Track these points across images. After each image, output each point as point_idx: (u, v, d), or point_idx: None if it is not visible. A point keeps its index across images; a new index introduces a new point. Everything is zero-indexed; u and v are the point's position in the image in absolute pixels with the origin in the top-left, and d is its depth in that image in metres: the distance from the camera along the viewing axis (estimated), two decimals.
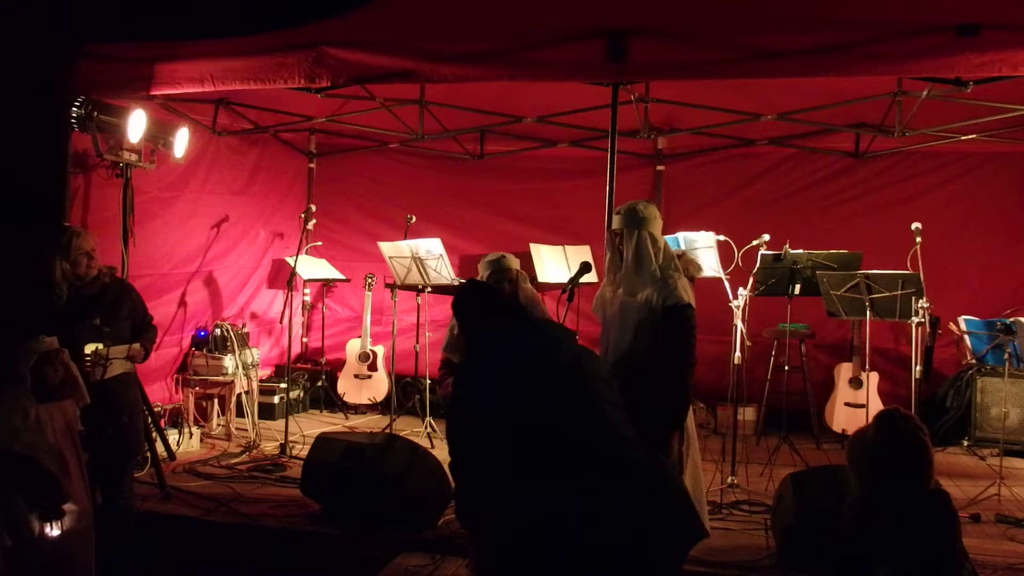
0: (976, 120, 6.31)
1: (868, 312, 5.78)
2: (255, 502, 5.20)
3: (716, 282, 6.18)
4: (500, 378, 2.89)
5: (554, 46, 4.62)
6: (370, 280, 7.78)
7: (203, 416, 6.96)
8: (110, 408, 4.30)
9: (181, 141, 6.06)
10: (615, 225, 3.86)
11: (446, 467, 4.52)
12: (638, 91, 5.96)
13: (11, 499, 3.26)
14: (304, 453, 5.51)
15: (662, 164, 7.95)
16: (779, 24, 4.48)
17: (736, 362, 5.74)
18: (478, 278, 4.03)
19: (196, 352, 6.87)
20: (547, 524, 2.68)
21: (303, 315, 8.68)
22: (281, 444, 6.36)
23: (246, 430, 6.67)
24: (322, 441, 5.20)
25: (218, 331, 6.87)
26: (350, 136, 8.11)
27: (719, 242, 6.31)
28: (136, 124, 5.53)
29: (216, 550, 4.68)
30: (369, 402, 7.79)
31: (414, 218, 7.47)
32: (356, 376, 7.83)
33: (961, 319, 6.42)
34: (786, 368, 6.30)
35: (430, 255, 6.80)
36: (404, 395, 7.59)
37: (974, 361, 6.44)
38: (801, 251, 5.99)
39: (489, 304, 3.16)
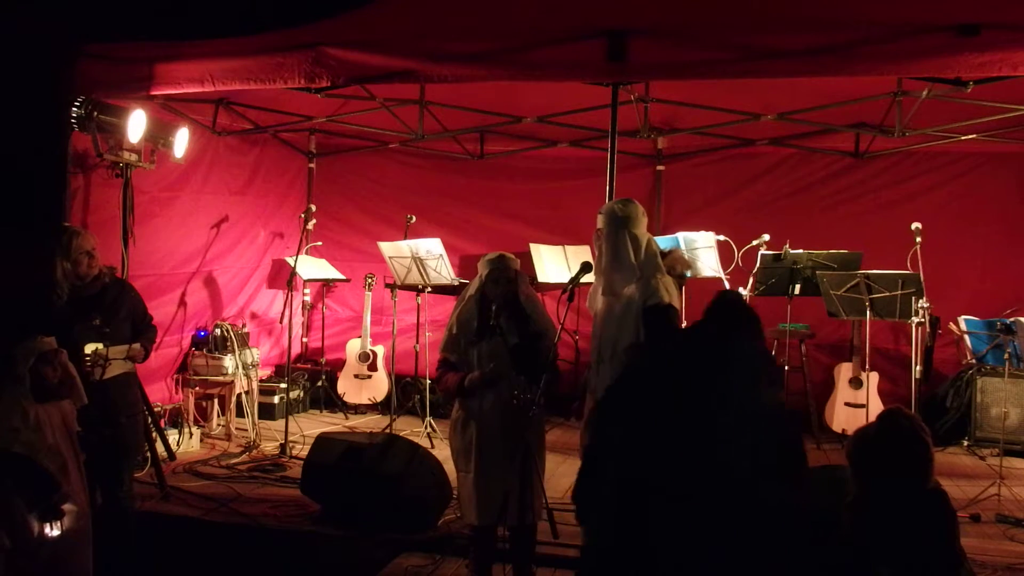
0: (976, 120, 6.31)
1: (868, 312, 5.78)
2: (255, 502, 5.20)
3: (716, 282, 6.19)
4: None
5: (554, 46, 4.62)
6: (370, 280, 7.78)
7: (203, 416, 6.96)
8: (109, 408, 4.29)
9: (181, 141, 6.06)
10: (598, 225, 3.90)
11: (448, 467, 4.55)
12: (638, 91, 5.97)
13: (10, 500, 3.26)
14: (304, 453, 5.51)
15: (662, 164, 7.96)
16: (779, 24, 4.47)
17: None
18: (477, 277, 4.03)
19: (196, 352, 6.87)
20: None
21: (303, 315, 8.68)
22: (281, 444, 6.36)
23: (246, 430, 6.67)
24: (322, 441, 5.20)
25: (218, 331, 6.87)
26: (350, 136, 8.11)
27: (719, 242, 6.33)
28: (136, 124, 5.53)
29: (216, 550, 4.68)
30: (369, 402, 7.79)
31: (414, 218, 7.47)
32: (356, 376, 7.83)
33: (961, 319, 6.41)
34: (786, 368, 6.30)
35: (430, 255, 6.80)
36: (404, 395, 7.59)
37: (974, 361, 6.43)
38: (801, 251, 6.00)
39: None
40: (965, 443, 6.73)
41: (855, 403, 6.67)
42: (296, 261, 6.82)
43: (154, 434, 5.58)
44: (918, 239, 6.25)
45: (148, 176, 6.16)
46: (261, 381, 7.36)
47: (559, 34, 4.61)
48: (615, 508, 2.81)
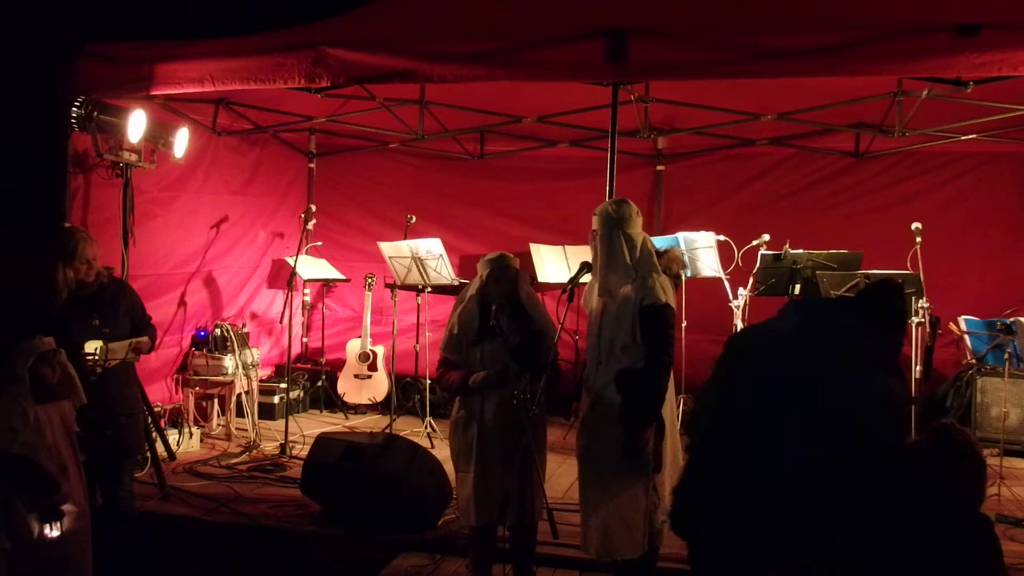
0: (976, 120, 6.30)
1: None
2: (255, 502, 5.20)
3: (716, 282, 6.18)
4: None
5: (554, 46, 4.62)
6: (370, 280, 7.78)
7: (203, 416, 6.96)
8: (109, 409, 4.29)
9: (181, 141, 6.05)
10: (593, 225, 3.89)
11: (448, 467, 4.55)
12: (638, 91, 5.96)
13: (10, 500, 3.25)
14: (304, 453, 5.51)
15: (662, 164, 7.96)
16: (779, 24, 4.48)
17: None
18: (477, 278, 4.03)
19: (196, 352, 6.87)
20: None
21: (303, 315, 8.68)
22: (281, 444, 6.36)
23: (246, 430, 6.67)
24: (322, 441, 5.20)
25: (218, 331, 6.87)
26: (350, 136, 8.11)
27: (719, 242, 6.32)
28: (136, 124, 5.53)
29: (216, 550, 4.68)
30: (369, 402, 7.79)
31: (414, 218, 7.47)
32: (356, 376, 7.83)
33: (961, 319, 6.41)
34: None
35: (430, 255, 6.80)
36: (404, 395, 7.59)
37: (974, 361, 6.43)
38: (801, 251, 5.99)
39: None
40: None
41: None
42: (296, 261, 6.82)
43: (154, 434, 5.58)
44: (918, 239, 6.25)
45: (148, 176, 6.16)
46: (261, 381, 7.36)
47: (559, 34, 4.62)
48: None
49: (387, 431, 6.06)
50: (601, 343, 3.84)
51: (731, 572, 3.08)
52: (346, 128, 7.59)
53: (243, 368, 6.80)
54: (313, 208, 7.58)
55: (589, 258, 3.98)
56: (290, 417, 6.97)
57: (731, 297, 5.83)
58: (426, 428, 6.76)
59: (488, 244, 7.49)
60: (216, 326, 6.93)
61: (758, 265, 5.94)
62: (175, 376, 6.88)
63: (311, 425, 7.19)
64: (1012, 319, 5.79)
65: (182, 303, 6.95)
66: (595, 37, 4.55)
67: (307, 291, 8.59)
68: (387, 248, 7.00)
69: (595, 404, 3.85)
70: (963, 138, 6.80)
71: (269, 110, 6.96)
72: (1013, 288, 7.16)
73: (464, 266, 7.86)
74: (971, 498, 2.68)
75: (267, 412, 7.31)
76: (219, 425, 7.00)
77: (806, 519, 2.77)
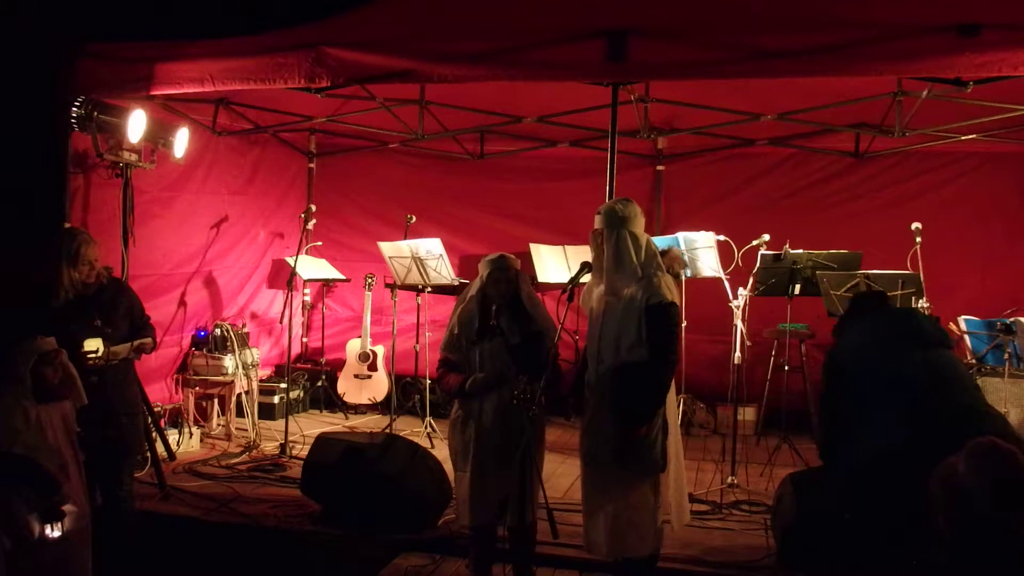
0: (976, 120, 6.31)
1: None
2: (255, 502, 5.20)
3: (716, 282, 6.18)
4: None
5: (554, 46, 4.62)
6: (370, 280, 7.78)
7: (203, 416, 6.96)
8: (109, 408, 4.29)
9: (181, 141, 6.06)
10: (596, 225, 3.88)
11: (448, 467, 4.55)
12: (638, 91, 5.96)
13: (10, 500, 3.26)
14: (304, 453, 5.51)
15: (662, 164, 7.96)
16: (779, 24, 4.47)
17: (736, 362, 5.74)
18: (478, 278, 4.03)
19: (196, 352, 6.87)
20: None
21: (303, 315, 8.69)
22: (281, 444, 6.36)
23: (246, 430, 6.67)
24: (322, 441, 5.20)
25: (218, 331, 6.87)
26: (350, 136, 8.11)
27: (719, 242, 6.32)
28: (136, 124, 5.53)
29: (216, 550, 4.68)
30: (369, 402, 7.79)
31: (414, 218, 7.47)
32: (356, 376, 7.83)
33: (961, 319, 6.41)
34: (786, 368, 6.30)
35: (430, 255, 6.80)
36: (404, 395, 7.59)
37: (974, 361, 6.42)
38: (801, 251, 5.99)
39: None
40: None
41: None
42: (296, 261, 6.82)
43: (154, 434, 5.58)
44: (918, 239, 6.25)
45: (148, 176, 6.16)
46: (261, 381, 7.36)
47: (559, 34, 4.61)
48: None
49: (387, 431, 6.06)
50: (604, 342, 3.83)
51: None
52: (346, 128, 7.59)
53: (243, 368, 6.80)
54: (313, 208, 7.59)
55: (589, 258, 3.97)
56: (290, 417, 6.97)
57: (731, 297, 5.83)
58: (426, 428, 6.76)
59: (488, 244, 7.50)
60: (216, 326, 6.93)
61: (758, 265, 5.93)
62: (175, 376, 6.88)
63: (311, 425, 7.19)
64: (1012, 319, 5.79)
65: (182, 303, 6.95)
66: (595, 37, 4.54)
67: (307, 291, 8.59)
68: (387, 248, 7.00)
69: (600, 404, 3.84)
70: (963, 138, 6.80)
71: (269, 110, 6.96)
72: (1013, 288, 7.15)
73: (464, 266, 7.86)
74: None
75: (267, 412, 7.31)
76: (219, 425, 7.01)
77: None
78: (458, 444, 4.06)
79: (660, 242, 5.90)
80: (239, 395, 6.79)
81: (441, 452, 5.31)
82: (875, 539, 3.51)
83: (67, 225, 5.24)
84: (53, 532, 3.35)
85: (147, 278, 6.28)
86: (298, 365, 8.26)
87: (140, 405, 4.89)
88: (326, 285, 8.50)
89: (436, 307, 7.74)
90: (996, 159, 7.28)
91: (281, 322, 7.42)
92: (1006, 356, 5.63)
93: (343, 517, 4.87)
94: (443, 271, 6.84)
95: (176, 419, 6.63)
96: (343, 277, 8.14)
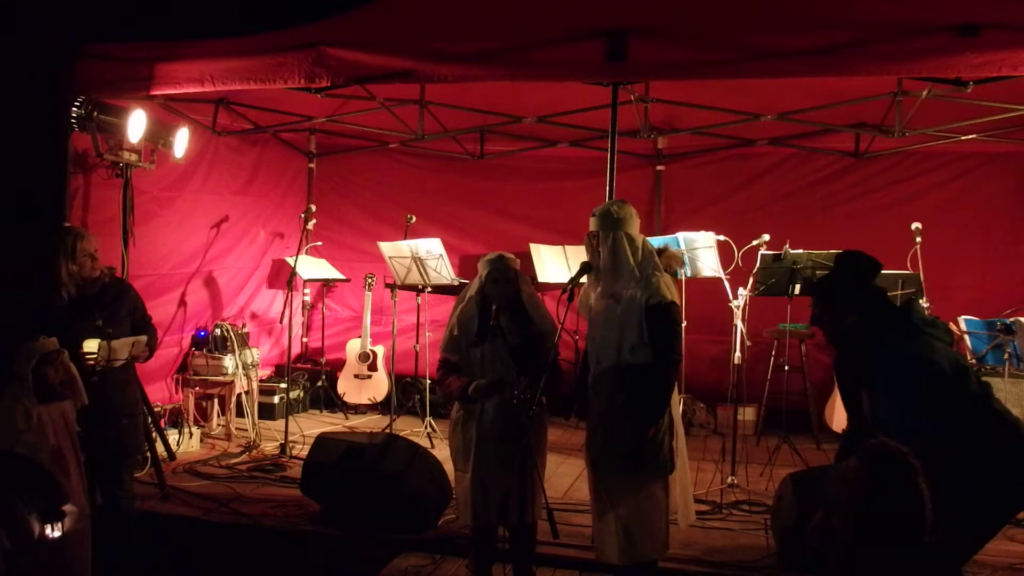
0: (976, 120, 6.31)
1: None
2: (255, 502, 5.20)
3: (716, 282, 6.18)
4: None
5: (554, 46, 4.62)
6: (370, 280, 7.79)
7: (203, 416, 6.96)
8: (109, 408, 4.29)
9: (181, 141, 6.06)
10: (591, 227, 3.87)
11: (448, 467, 4.55)
12: (638, 91, 5.97)
13: (11, 500, 3.26)
14: (304, 453, 5.51)
15: (662, 164, 7.96)
16: (779, 24, 4.47)
17: (736, 362, 5.74)
18: (477, 278, 4.03)
19: (196, 352, 6.87)
20: None
21: (303, 315, 8.68)
22: (281, 444, 6.36)
23: (246, 430, 6.67)
24: (322, 441, 5.20)
25: (218, 331, 6.87)
26: (350, 136, 8.11)
27: (719, 242, 6.32)
28: (136, 124, 5.53)
29: (216, 550, 4.68)
30: (369, 402, 7.79)
31: (414, 218, 7.47)
32: (356, 376, 7.83)
33: (961, 319, 6.41)
34: (786, 368, 6.30)
35: (430, 255, 6.80)
36: (404, 395, 7.59)
37: (974, 361, 6.42)
38: (801, 251, 5.99)
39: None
40: None
41: None
42: (296, 261, 6.82)
43: (154, 434, 5.58)
44: (918, 239, 6.25)
45: (148, 176, 6.16)
46: (261, 381, 7.36)
47: (559, 34, 4.61)
48: None
49: (387, 431, 6.06)
50: (606, 344, 3.83)
51: None
52: (346, 128, 7.59)
53: (243, 368, 6.80)
54: (313, 208, 7.59)
55: (586, 259, 3.97)
56: (290, 417, 6.97)
57: (731, 297, 5.83)
58: (426, 428, 6.76)
59: (488, 244, 7.50)
60: (216, 326, 6.93)
61: (758, 265, 5.94)
62: (175, 376, 6.88)
63: (311, 425, 7.19)
64: (1012, 319, 5.78)
65: (182, 303, 6.95)
66: (595, 37, 4.54)
67: (307, 291, 8.59)
68: (387, 248, 7.00)
69: (607, 408, 3.83)
70: (963, 138, 6.81)
71: (269, 110, 6.96)
72: (1013, 288, 7.16)
73: (464, 266, 7.86)
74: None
75: (267, 412, 7.31)
76: (219, 425, 7.01)
77: None
78: (459, 444, 4.06)
79: (658, 242, 5.90)
80: (239, 395, 6.79)
81: (441, 452, 5.31)
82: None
83: (65, 224, 5.25)
84: (53, 532, 3.34)
85: (147, 278, 6.28)
86: (298, 365, 8.26)
87: (140, 405, 4.89)
88: (326, 285, 8.50)
89: (436, 307, 7.74)
90: (996, 159, 7.28)
91: (281, 322, 7.42)
92: (1006, 356, 5.63)
93: (343, 517, 4.87)
94: (443, 271, 6.84)
95: (176, 419, 6.63)
96: (343, 277, 8.14)
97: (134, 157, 5.75)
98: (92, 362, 4.19)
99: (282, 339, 8.10)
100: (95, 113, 5.35)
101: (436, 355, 4.22)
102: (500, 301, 3.93)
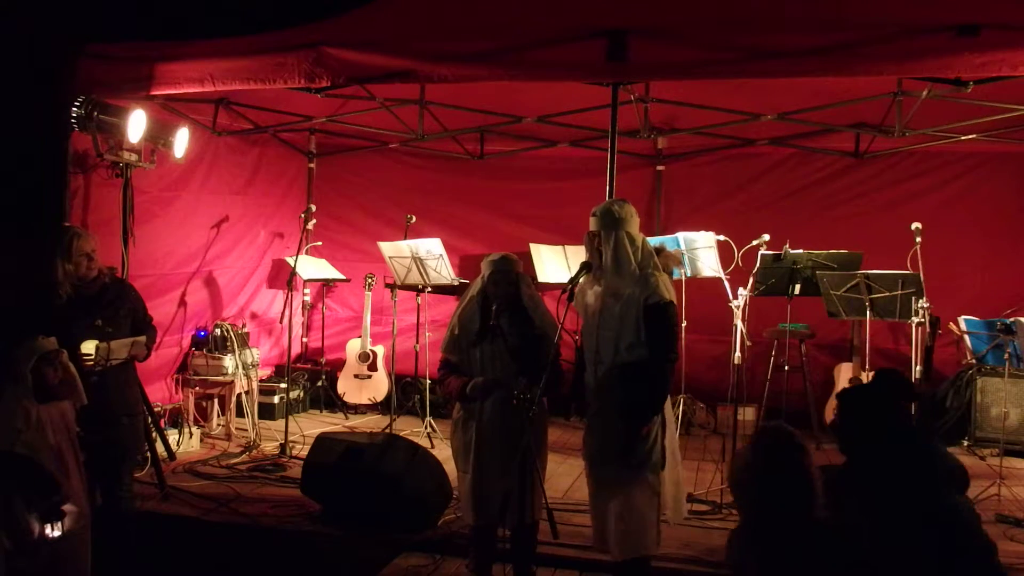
0: (976, 120, 6.31)
1: (868, 312, 5.78)
2: (255, 502, 5.20)
3: (716, 282, 6.18)
4: None
5: (554, 46, 4.62)
6: (370, 280, 7.79)
7: (203, 416, 6.96)
8: (109, 408, 4.29)
9: (181, 141, 6.06)
10: (592, 227, 3.87)
11: (448, 467, 4.55)
12: (638, 91, 5.97)
13: (11, 500, 3.26)
14: (304, 453, 5.51)
15: (662, 164, 7.96)
16: (779, 24, 4.47)
17: (736, 362, 5.73)
18: (479, 278, 4.03)
19: (196, 352, 6.87)
20: None
21: (303, 315, 8.68)
22: (281, 444, 6.35)
23: (246, 430, 6.67)
24: (322, 441, 5.20)
25: (218, 331, 6.87)
26: (350, 136, 8.11)
27: (719, 242, 6.32)
28: (136, 124, 5.53)
29: (216, 550, 4.68)
30: (369, 402, 7.79)
31: (414, 218, 7.48)
32: (356, 376, 7.83)
33: (961, 319, 6.41)
34: (786, 368, 6.30)
35: (430, 255, 6.80)
36: (404, 395, 7.59)
37: (974, 361, 6.43)
38: (801, 251, 5.99)
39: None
40: (965, 443, 6.72)
41: None
42: (296, 261, 6.82)
43: (154, 434, 5.58)
44: (918, 239, 6.25)
45: (148, 176, 6.16)
46: (261, 381, 7.36)
47: (559, 34, 4.61)
48: None
49: (387, 431, 6.06)
50: (603, 343, 3.84)
51: None
52: (346, 128, 7.59)
53: (243, 368, 6.80)
54: (313, 208, 7.59)
55: (586, 259, 3.97)
56: (290, 417, 6.97)
57: (731, 297, 5.82)
58: (426, 428, 6.76)
59: (488, 244, 7.50)
60: (216, 326, 6.93)
61: (758, 265, 5.94)
62: (175, 376, 6.88)
63: (311, 425, 7.19)
64: (1012, 319, 5.78)
65: (182, 303, 6.95)
66: (595, 37, 4.54)
67: (307, 291, 8.59)
68: (387, 248, 7.00)
69: (604, 406, 3.85)
70: (963, 138, 6.80)
71: (269, 110, 6.96)
72: (1013, 288, 7.16)
73: (464, 266, 7.87)
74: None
75: (267, 412, 7.31)
76: (219, 425, 7.01)
77: None
78: (460, 444, 4.07)
79: (655, 242, 5.90)
80: (239, 395, 6.79)
81: (441, 452, 5.31)
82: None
83: (64, 224, 5.25)
84: (53, 532, 3.35)
85: (147, 278, 6.28)
86: (298, 365, 8.26)
87: (140, 405, 4.89)
88: (326, 285, 8.50)
89: (436, 307, 7.74)
90: (996, 159, 7.29)
91: (281, 322, 7.42)
92: (1006, 356, 5.63)
93: (343, 517, 4.87)
94: (443, 271, 6.84)
95: (176, 419, 6.63)
96: (343, 277, 8.14)
97: (134, 157, 5.75)
98: (90, 363, 4.19)
99: (282, 339, 8.10)
100: (95, 113, 5.36)
101: (436, 355, 4.22)
102: (501, 301, 3.93)
